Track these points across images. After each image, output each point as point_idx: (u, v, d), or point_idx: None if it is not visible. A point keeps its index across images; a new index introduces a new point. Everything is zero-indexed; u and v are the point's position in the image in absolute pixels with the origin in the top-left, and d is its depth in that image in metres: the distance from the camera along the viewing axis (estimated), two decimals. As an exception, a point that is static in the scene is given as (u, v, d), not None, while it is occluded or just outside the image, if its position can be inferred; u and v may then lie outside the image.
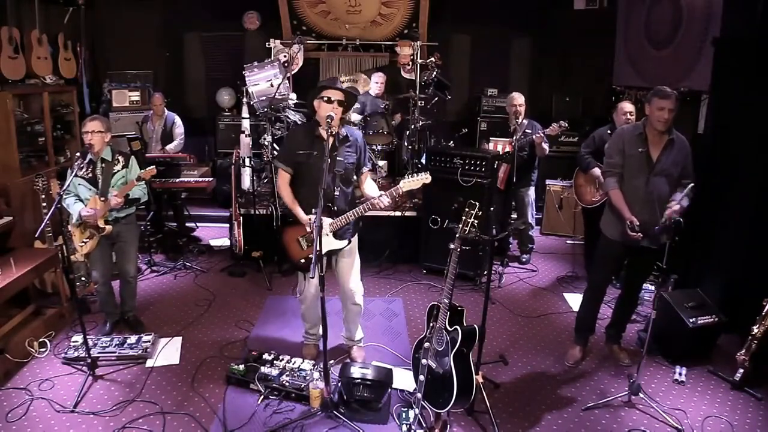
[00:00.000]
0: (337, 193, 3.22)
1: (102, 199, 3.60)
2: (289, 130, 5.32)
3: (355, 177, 3.37)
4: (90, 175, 3.63)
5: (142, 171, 3.68)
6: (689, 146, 3.29)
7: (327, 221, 3.18)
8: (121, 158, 3.72)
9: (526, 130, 4.96)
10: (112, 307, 3.96)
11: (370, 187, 3.37)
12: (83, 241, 3.68)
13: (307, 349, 3.70)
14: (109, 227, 3.65)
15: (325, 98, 3.13)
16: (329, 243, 3.24)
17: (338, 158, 3.20)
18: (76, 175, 3.46)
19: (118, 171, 3.69)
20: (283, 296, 4.63)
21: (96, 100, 6.50)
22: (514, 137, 4.74)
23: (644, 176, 3.26)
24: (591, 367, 3.65)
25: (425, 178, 3.07)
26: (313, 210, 2.86)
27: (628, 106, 4.42)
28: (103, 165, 3.65)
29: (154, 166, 3.76)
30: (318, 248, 2.76)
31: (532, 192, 5.33)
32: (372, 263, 5.08)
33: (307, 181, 3.23)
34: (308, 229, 3.22)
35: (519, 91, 5.13)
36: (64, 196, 3.56)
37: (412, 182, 3.09)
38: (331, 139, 3.16)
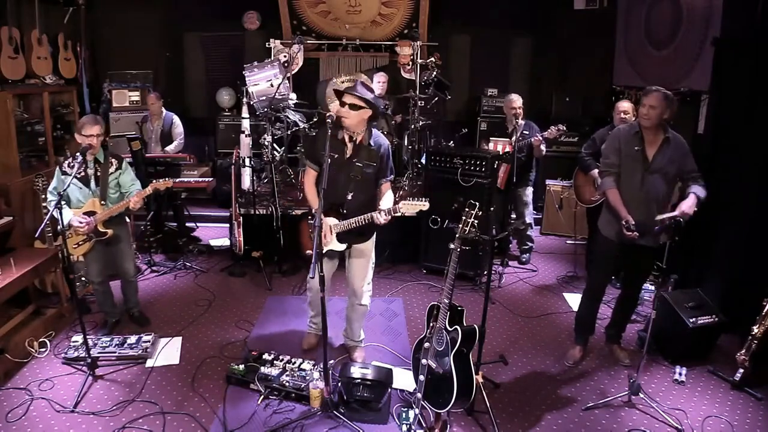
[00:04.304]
0: (350, 197, 3.23)
1: (102, 202, 3.63)
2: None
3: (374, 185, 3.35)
4: (82, 174, 3.64)
5: (158, 182, 3.72)
6: (686, 144, 3.30)
7: (333, 221, 3.22)
8: (114, 161, 3.75)
9: (524, 132, 4.96)
10: (111, 306, 3.97)
11: (385, 200, 3.33)
12: (77, 243, 3.69)
13: (307, 338, 3.75)
14: (110, 231, 3.67)
15: (340, 102, 3.19)
16: (331, 243, 3.29)
17: (357, 163, 3.22)
18: (73, 176, 3.45)
19: (112, 173, 3.73)
20: (283, 296, 4.63)
21: (96, 100, 6.48)
22: (513, 138, 4.74)
23: (640, 174, 3.27)
24: (591, 367, 3.65)
25: (423, 204, 3.06)
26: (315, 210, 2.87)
27: (623, 105, 4.39)
28: (97, 166, 3.67)
29: (170, 180, 3.83)
30: (317, 248, 2.76)
31: (530, 192, 5.32)
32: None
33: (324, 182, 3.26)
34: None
35: (519, 91, 5.15)
36: (49, 198, 3.65)
37: (410, 206, 3.08)
38: (350, 144, 3.23)
